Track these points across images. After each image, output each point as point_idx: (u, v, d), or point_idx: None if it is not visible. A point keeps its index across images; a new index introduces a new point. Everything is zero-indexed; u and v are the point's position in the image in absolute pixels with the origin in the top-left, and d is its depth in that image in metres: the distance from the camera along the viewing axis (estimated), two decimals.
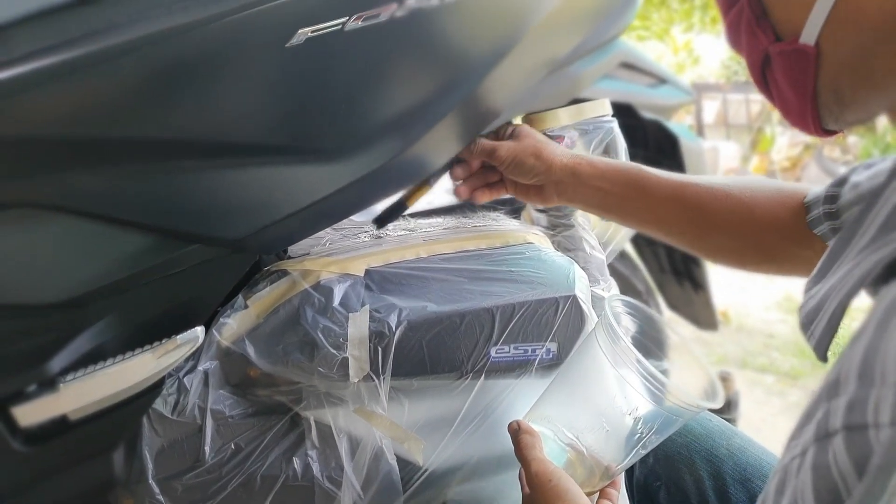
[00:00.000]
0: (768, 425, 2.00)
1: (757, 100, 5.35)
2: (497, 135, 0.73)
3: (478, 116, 0.67)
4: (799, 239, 0.58)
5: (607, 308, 0.54)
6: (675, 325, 0.59)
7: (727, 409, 1.35)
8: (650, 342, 0.59)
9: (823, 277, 0.34)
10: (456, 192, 0.74)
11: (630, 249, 1.22)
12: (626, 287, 1.07)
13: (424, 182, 0.72)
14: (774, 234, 0.60)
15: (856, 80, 0.35)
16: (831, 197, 0.56)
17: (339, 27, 0.50)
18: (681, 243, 0.66)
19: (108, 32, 0.46)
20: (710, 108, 5.37)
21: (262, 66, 0.49)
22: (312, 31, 0.49)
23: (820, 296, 0.33)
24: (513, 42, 0.63)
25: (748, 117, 5.56)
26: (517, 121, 0.78)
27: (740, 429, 1.50)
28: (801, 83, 0.36)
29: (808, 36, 0.34)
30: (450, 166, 0.73)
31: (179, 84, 0.48)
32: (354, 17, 0.50)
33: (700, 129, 5.19)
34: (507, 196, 0.81)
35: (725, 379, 1.36)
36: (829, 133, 0.38)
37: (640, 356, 0.49)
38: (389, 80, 0.55)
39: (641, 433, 0.51)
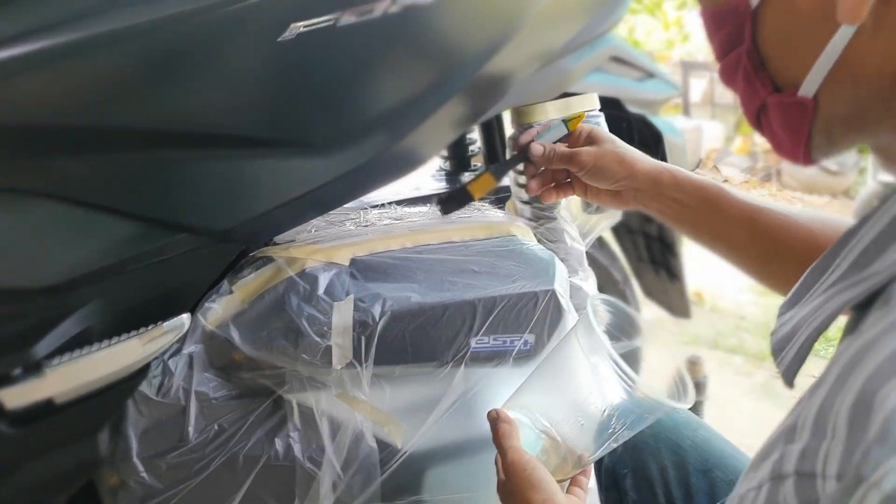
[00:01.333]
0: (735, 405, 2.07)
1: None
2: (570, 138, 0.70)
3: (467, 111, 0.67)
4: None
5: (588, 306, 0.55)
6: (652, 326, 0.61)
7: (696, 393, 1.39)
8: (629, 340, 0.61)
9: (796, 304, 0.35)
10: (527, 188, 0.71)
11: (610, 238, 1.24)
12: (605, 276, 1.09)
13: (488, 172, 0.70)
14: None
15: (849, 127, 0.36)
16: None
17: (332, 22, 0.50)
18: (745, 266, 0.66)
19: (97, 19, 0.46)
20: (697, 87, 5.37)
21: (253, 59, 0.49)
22: (305, 27, 0.49)
23: (791, 325, 0.34)
24: (506, 38, 0.63)
25: (734, 97, 5.57)
26: (554, 114, 0.76)
27: (707, 408, 1.55)
28: (796, 129, 0.37)
29: (808, 89, 0.35)
30: (517, 160, 0.70)
31: (170, 74, 0.48)
32: (347, 12, 0.50)
33: (686, 108, 5.19)
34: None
35: (695, 363, 1.41)
36: (814, 162, 0.39)
37: (614, 353, 0.51)
38: (381, 75, 0.55)
39: (614, 428, 0.54)
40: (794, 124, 0.37)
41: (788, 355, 0.33)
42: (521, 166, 0.73)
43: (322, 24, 0.49)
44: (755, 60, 0.37)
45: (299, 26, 0.49)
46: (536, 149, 0.68)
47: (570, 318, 0.72)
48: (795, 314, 0.34)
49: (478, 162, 1.03)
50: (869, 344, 0.25)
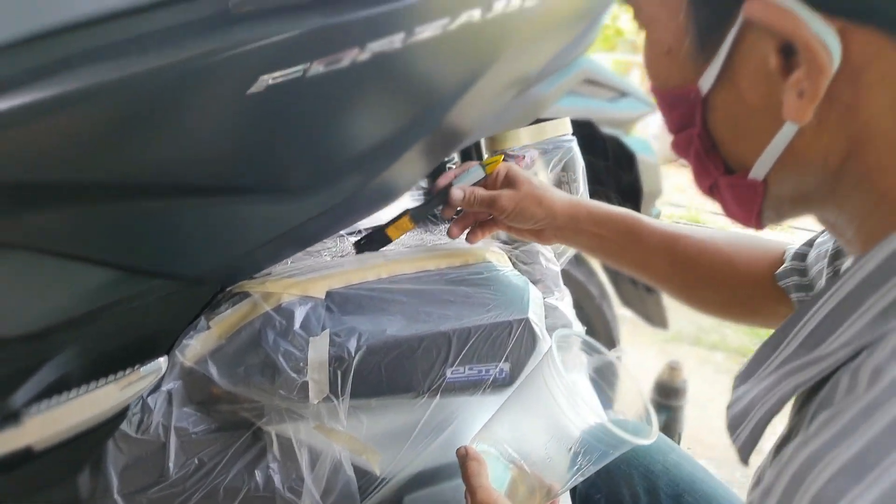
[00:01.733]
0: (714, 403, 2.11)
1: None
2: (486, 180, 0.72)
3: (441, 145, 0.68)
4: (776, 294, 0.60)
5: (553, 342, 0.57)
6: (621, 359, 0.62)
7: (675, 397, 1.42)
8: (596, 373, 0.62)
9: (750, 377, 0.37)
10: (448, 232, 0.73)
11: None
12: (582, 292, 1.11)
13: (407, 216, 0.72)
14: (754, 288, 0.62)
15: (796, 204, 0.37)
16: (801, 255, 0.58)
17: (301, 73, 0.50)
18: (671, 293, 0.68)
19: (66, 76, 0.46)
20: None
21: (223, 112, 0.50)
22: (273, 79, 0.49)
23: (745, 403, 0.36)
24: (476, 76, 0.64)
25: None
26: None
27: (688, 409, 1.58)
28: (748, 206, 0.38)
29: (758, 173, 0.36)
30: (436, 203, 0.72)
31: (140, 129, 0.48)
32: (316, 62, 0.51)
33: None
34: None
35: (674, 368, 1.44)
36: (767, 227, 0.41)
37: (578, 390, 0.53)
38: (353, 121, 0.56)
39: (580, 464, 0.56)
40: (745, 201, 0.39)
41: (743, 433, 0.35)
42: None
43: (291, 76, 0.50)
44: (706, 143, 0.38)
45: (268, 79, 0.49)
46: (457, 194, 0.69)
47: (545, 345, 0.73)
48: (749, 390, 0.36)
49: None
50: (818, 455, 0.27)
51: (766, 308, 0.63)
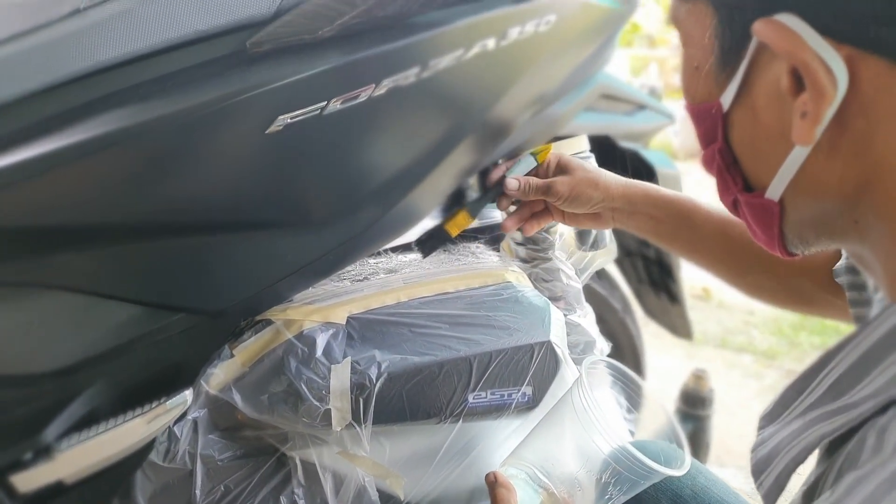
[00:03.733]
0: (744, 409, 2.07)
1: None
2: (538, 170, 0.72)
3: (460, 170, 0.68)
4: (832, 287, 0.58)
5: (583, 371, 0.56)
6: (650, 390, 0.62)
7: (702, 407, 1.41)
8: (626, 398, 0.62)
9: (775, 420, 0.36)
10: (502, 226, 0.73)
11: (610, 266, 1.25)
12: (604, 306, 1.10)
13: (464, 210, 0.71)
14: (810, 278, 0.61)
15: (817, 231, 0.37)
16: None
17: (318, 111, 0.51)
18: (724, 278, 0.68)
19: (91, 123, 0.47)
20: None
21: (242, 152, 0.51)
22: (292, 118, 0.50)
23: (770, 447, 0.35)
24: (492, 102, 0.64)
25: None
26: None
27: (715, 414, 1.55)
28: (768, 227, 0.38)
29: (774, 193, 0.36)
30: (491, 196, 0.72)
31: (160, 172, 0.49)
32: (333, 100, 0.51)
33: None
34: (494, 222, 0.83)
35: (700, 377, 1.42)
36: (796, 255, 0.40)
37: (607, 420, 0.53)
38: (370, 154, 0.57)
39: (611, 494, 0.55)
40: (763, 222, 0.38)
41: (768, 480, 0.35)
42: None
43: (309, 114, 0.50)
44: (727, 158, 0.39)
45: (286, 118, 0.50)
46: (512, 184, 0.69)
47: (568, 368, 0.73)
48: (774, 434, 0.35)
49: None
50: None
51: (822, 300, 0.61)
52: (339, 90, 0.51)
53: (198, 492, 0.66)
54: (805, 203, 0.35)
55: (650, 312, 1.35)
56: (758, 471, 0.36)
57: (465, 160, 0.68)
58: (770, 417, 0.37)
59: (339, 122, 0.52)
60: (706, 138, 0.40)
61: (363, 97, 0.52)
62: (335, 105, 0.51)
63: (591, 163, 0.82)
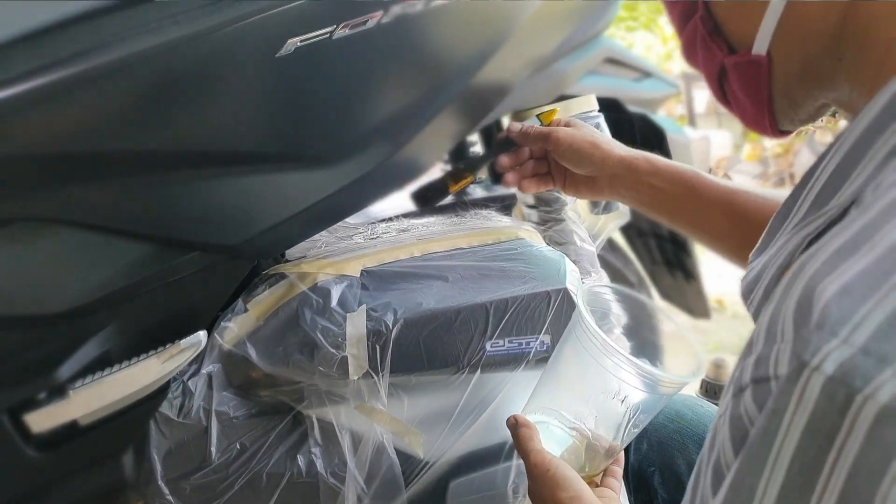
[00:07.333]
0: None
1: None
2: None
3: (466, 117, 0.69)
4: None
5: (579, 299, 0.55)
6: (666, 311, 0.60)
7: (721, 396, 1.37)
8: (639, 325, 0.61)
9: (763, 251, 0.36)
10: (503, 180, 0.72)
11: (622, 242, 1.24)
12: (619, 279, 1.09)
13: (467, 170, 0.71)
14: None
15: (806, 83, 0.37)
16: None
17: (328, 36, 0.52)
18: (727, 253, 0.66)
19: (100, 50, 0.47)
20: (701, 98, 5.39)
21: (252, 77, 0.51)
22: (301, 41, 0.51)
23: (758, 268, 0.35)
24: (498, 43, 0.64)
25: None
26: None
27: None
28: (756, 91, 0.38)
29: (760, 47, 0.36)
30: (493, 152, 0.72)
31: (172, 98, 0.49)
32: (342, 25, 0.52)
33: (692, 119, 5.20)
34: (506, 192, 0.82)
35: (719, 366, 1.38)
36: (784, 133, 0.40)
37: (610, 342, 0.51)
38: (378, 85, 0.57)
39: (631, 416, 0.53)
40: (752, 86, 0.38)
41: (756, 297, 0.34)
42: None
43: (318, 38, 0.51)
44: (709, 24, 0.39)
45: (296, 41, 0.50)
46: (514, 125, 0.70)
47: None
48: (761, 260, 0.35)
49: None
50: (813, 252, 0.26)
51: None
52: (348, 15, 0.51)
53: (213, 449, 0.64)
54: (791, 50, 0.35)
55: (665, 293, 1.33)
56: (747, 292, 0.36)
57: (471, 107, 0.68)
58: (760, 250, 0.37)
59: (348, 47, 0.53)
60: (685, 15, 0.40)
61: (371, 23, 0.53)
62: (344, 31, 0.52)
63: (601, 123, 0.82)
